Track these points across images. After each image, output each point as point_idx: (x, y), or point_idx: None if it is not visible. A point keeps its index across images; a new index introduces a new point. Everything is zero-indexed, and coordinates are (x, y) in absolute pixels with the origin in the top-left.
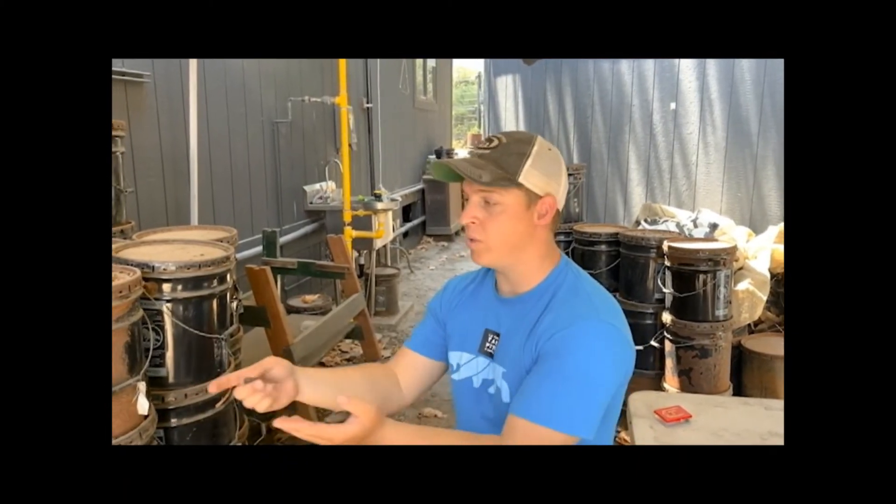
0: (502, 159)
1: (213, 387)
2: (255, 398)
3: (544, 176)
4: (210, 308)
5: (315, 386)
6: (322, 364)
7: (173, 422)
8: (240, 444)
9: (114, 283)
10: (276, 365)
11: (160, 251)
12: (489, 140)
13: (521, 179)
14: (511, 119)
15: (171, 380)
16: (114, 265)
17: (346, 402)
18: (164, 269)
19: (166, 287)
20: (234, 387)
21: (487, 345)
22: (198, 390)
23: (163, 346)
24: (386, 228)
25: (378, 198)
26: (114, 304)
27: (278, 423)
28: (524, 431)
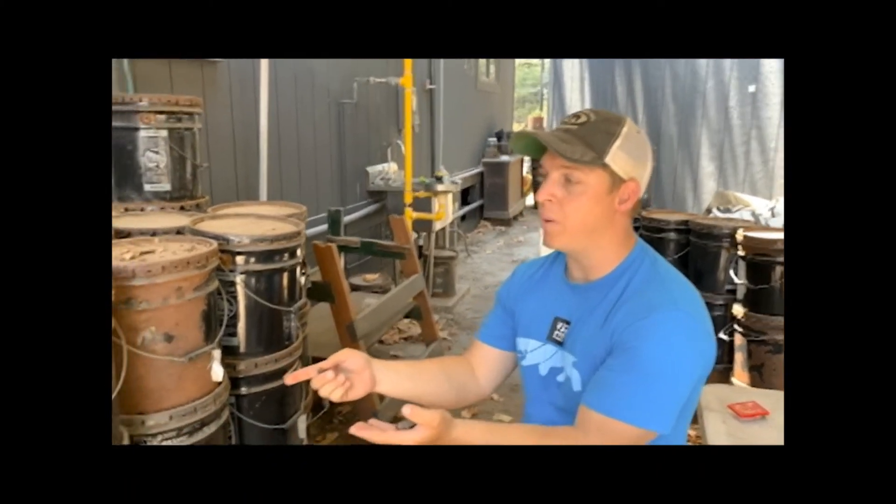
0: (590, 137)
1: (290, 379)
2: (329, 387)
3: (631, 159)
4: (281, 281)
5: (392, 378)
6: (381, 342)
7: (243, 390)
8: (304, 415)
9: (191, 254)
10: (350, 356)
11: (234, 224)
12: (576, 116)
13: (607, 160)
14: (577, 101)
15: (242, 349)
16: (191, 237)
17: (410, 413)
18: (239, 242)
19: (240, 259)
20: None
21: (556, 332)
22: (267, 360)
23: (236, 317)
24: (446, 211)
25: (439, 180)
26: (191, 273)
27: (354, 430)
28: (599, 425)
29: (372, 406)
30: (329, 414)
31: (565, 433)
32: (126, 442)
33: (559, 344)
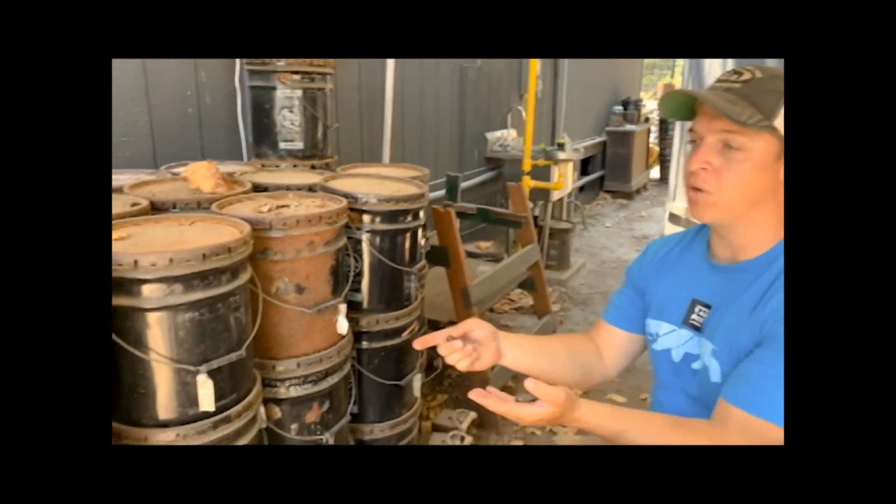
0: (756, 96)
1: (418, 344)
2: (456, 356)
3: None
4: (403, 242)
5: (517, 352)
6: (491, 310)
7: (364, 344)
8: (419, 374)
9: (323, 210)
10: (478, 327)
11: (362, 184)
12: (737, 73)
13: (776, 123)
14: (717, 66)
15: (365, 305)
16: (322, 194)
17: (534, 387)
18: (367, 201)
19: (366, 218)
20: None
21: (694, 316)
22: (388, 318)
23: (360, 274)
24: (565, 180)
25: (560, 147)
26: (323, 229)
27: (472, 395)
28: (740, 422)
29: (484, 372)
30: (440, 376)
31: (702, 428)
32: (258, 385)
33: (696, 329)
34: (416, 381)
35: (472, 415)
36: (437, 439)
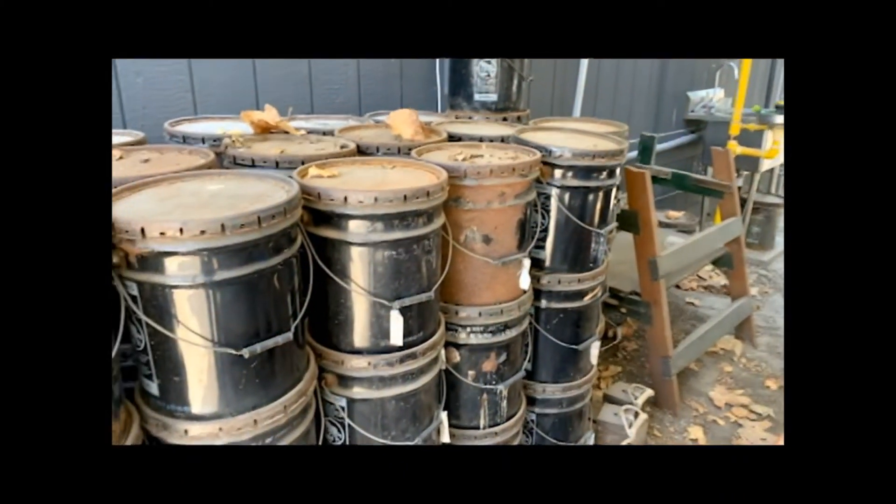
0: None
1: None
2: None
3: None
4: (595, 200)
5: None
6: (677, 286)
7: (543, 303)
8: (597, 341)
9: (516, 162)
10: None
11: (556, 138)
12: None
13: None
14: None
15: (547, 263)
16: (515, 146)
17: None
18: (560, 155)
19: (558, 173)
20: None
21: None
22: (570, 279)
23: (546, 231)
24: (779, 148)
25: (778, 109)
26: (514, 180)
27: None
28: None
29: (665, 352)
30: (615, 347)
31: None
32: (442, 328)
33: None
34: (594, 348)
35: (649, 392)
36: (608, 411)
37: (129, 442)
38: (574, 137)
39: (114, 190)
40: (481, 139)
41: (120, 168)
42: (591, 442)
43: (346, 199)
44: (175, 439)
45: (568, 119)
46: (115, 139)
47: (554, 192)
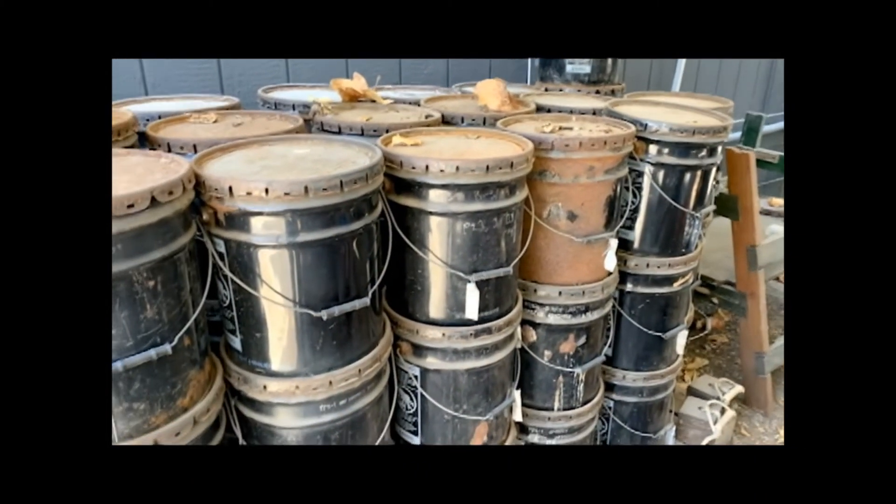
0: None
1: None
2: None
3: None
4: (692, 180)
5: None
6: (777, 279)
7: (629, 287)
8: (685, 330)
9: (608, 135)
10: None
11: (653, 112)
12: None
13: None
14: None
15: (636, 245)
16: (608, 119)
17: None
18: (657, 130)
19: (653, 149)
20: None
21: None
22: (660, 263)
23: (637, 210)
24: None
25: None
26: (605, 155)
27: None
28: None
29: (759, 348)
30: (703, 339)
31: None
32: (519, 305)
33: None
34: (681, 338)
35: (739, 388)
36: (692, 404)
37: (212, 392)
38: (672, 112)
39: (206, 150)
40: (571, 111)
41: (214, 130)
42: (671, 434)
43: (427, 167)
44: (254, 394)
45: (666, 93)
46: (212, 104)
47: (647, 169)
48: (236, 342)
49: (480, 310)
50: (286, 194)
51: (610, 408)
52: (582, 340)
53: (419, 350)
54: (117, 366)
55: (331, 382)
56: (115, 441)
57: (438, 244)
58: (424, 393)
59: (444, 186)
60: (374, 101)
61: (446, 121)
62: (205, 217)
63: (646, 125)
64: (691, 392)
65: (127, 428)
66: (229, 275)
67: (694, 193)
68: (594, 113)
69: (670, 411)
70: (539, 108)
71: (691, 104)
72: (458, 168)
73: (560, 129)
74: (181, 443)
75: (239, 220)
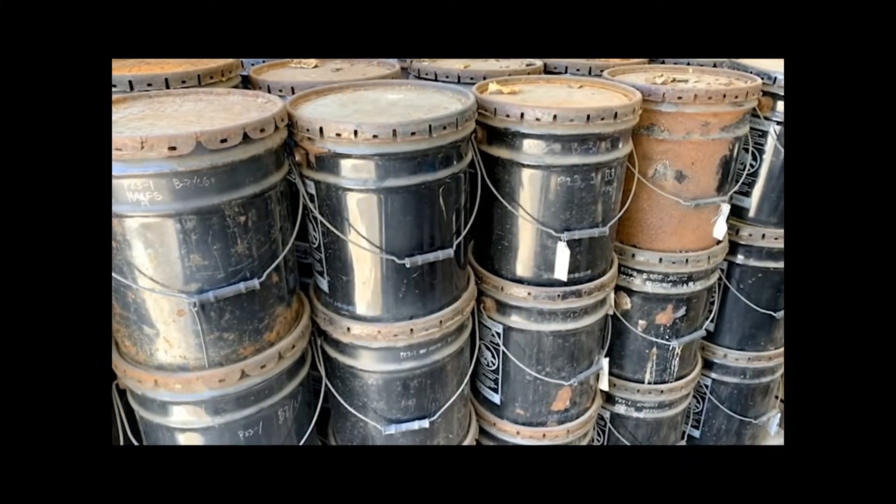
0: None
1: None
2: None
3: None
4: None
5: None
6: None
7: (740, 258)
8: None
9: (728, 88)
10: None
11: (783, 64)
12: None
13: None
14: None
15: (752, 214)
16: (730, 71)
17: None
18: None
19: (781, 106)
20: None
21: None
22: (778, 235)
23: (755, 175)
24: None
25: None
26: (723, 110)
27: None
28: None
29: None
30: None
31: None
32: (614, 269)
33: None
34: None
35: None
36: None
37: (298, 329)
38: None
39: (301, 93)
40: (689, 63)
41: (312, 75)
42: (776, 422)
43: (522, 115)
44: (339, 335)
45: None
46: None
47: (773, 128)
48: (324, 284)
49: (570, 271)
50: (374, 137)
51: (707, 386)
52: (681, 312)
53: (503, 307)
54: (209, 296)
55: (412, 330)
56: (206, 367)
57: (529, 199)
58: (506, 351)
59: (539, 136)
60: None
61: (549, 70)
62: (297, 158)
63: (774, 78)
64: None
65: (217, 356)
66: (318, 217)
67: None
68: (714, 65)
69: (776, 397)
70: (654, 59)
71: None
72: (555, 117)
73: (674, 80)
74: (266, 375)
75: (329, 162)
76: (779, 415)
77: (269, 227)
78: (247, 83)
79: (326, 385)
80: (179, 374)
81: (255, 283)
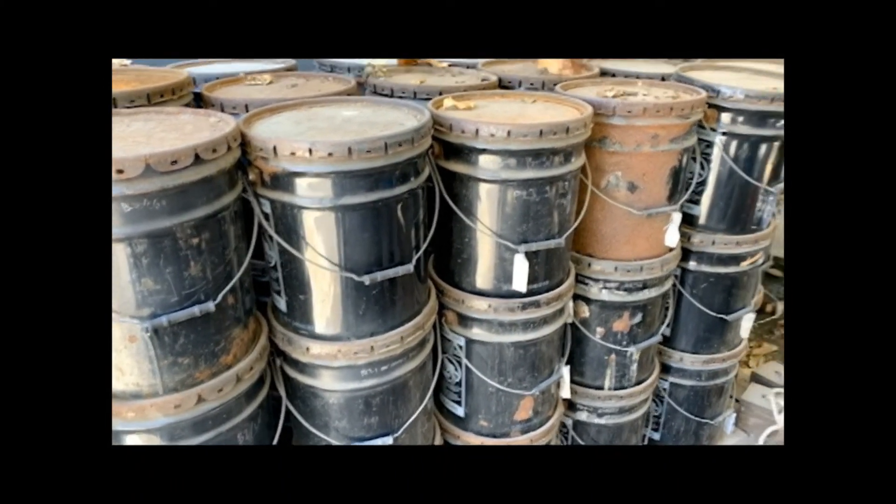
0: None
1: None
2: None
3: None
4: (768, 153)
5: None
6: None
7: (692, 265)
8: (752, 313)
9: (675, 101)
10: None
11: (727, 78)
12: None
13: None
14: None
15: (702, 221)
16: (676, 84)
17: None
18: (731, 97)
19: (726, 118)
20: None
21: None
22: (727, 241)
23: (704, 184)
24: None
25: None
26: (671, 122)
27: None
28: None
29: None
30: (773, 324)
31: None
32: (571, 279)
33: None
34: (747, 321)
35: None
36: (755, 392)
37: (255, 351)
38: (750, 78)
39: (255, 111)
40: (638, 76)
41: (266, 91)
42: (731, 421)
43: (477, 131)
44: (298, 355)
45: (746, 59)
46: (268, 66)
47: (718, 139)
48: (281, 303)
49: (529, 282)
50: (330, 155)
51: (665, 390)
52: (637, 319)
53: (465, 320)
54: (162, 320)
55: (372, 348)
56: (160, 394)
57: (487, 212)
58: (469, 364)
59: (494, 152)
60: (430, 65)
61: (503, 85)
62: (251, 177)
63: (718, 91)
64: (755, 379)
65: (172, 382)
66: (274, 236)
67: (769, 167)
68: (663, 79)
69: (731, 397)
70: (604, 73)
71: (773, 70)
72: (509, 132)
73: (624, 94)
74: (224, 399)
75: (284, 181)
76: (734, 415)
77: (224, 248)
78: (199, 101)
79: (287, 405)
80: (132, 402)
81: (210, 305)
